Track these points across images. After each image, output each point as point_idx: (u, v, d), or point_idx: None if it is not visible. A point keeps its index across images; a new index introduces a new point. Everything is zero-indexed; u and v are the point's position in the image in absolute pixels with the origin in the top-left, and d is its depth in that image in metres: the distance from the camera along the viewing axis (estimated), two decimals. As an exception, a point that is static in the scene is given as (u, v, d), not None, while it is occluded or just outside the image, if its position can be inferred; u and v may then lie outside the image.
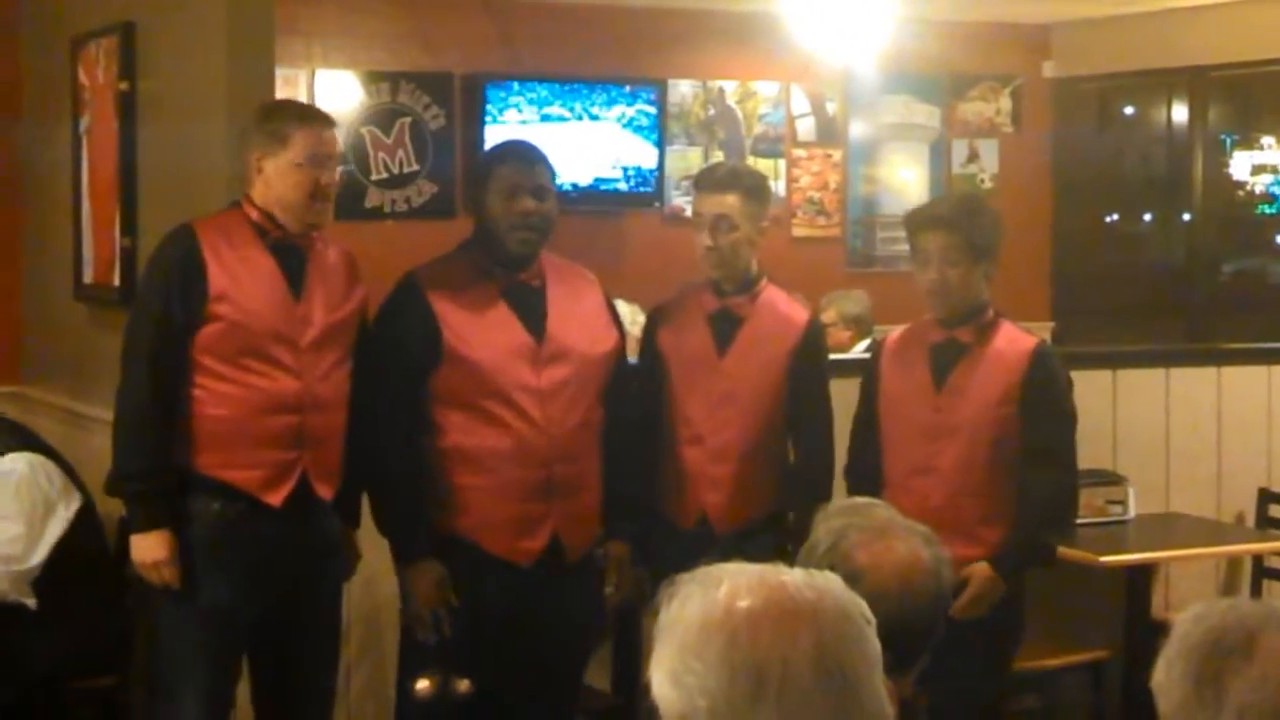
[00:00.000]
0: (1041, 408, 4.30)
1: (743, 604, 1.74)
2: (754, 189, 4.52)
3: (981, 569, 4.18)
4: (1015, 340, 4.37)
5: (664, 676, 1.75)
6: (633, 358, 4.64)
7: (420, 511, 4.21)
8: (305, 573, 4.16)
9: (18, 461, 4.81)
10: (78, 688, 4.84)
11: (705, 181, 4.56)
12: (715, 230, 4.43)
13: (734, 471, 4.44)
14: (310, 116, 4.23)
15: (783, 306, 4.56)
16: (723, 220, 4.43)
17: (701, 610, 1.75)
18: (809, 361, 4.52)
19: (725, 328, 4.50)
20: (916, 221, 4.42)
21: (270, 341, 4.06)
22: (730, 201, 4.44)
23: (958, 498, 4.28)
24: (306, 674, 4.28)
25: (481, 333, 4.22)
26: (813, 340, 4.57)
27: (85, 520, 4.86)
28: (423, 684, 4.18)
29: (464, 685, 4.19)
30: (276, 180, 4.10)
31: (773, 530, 4.47)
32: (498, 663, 4.23)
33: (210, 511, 4.06)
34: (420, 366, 4.20)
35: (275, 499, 4.07)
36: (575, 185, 8.59)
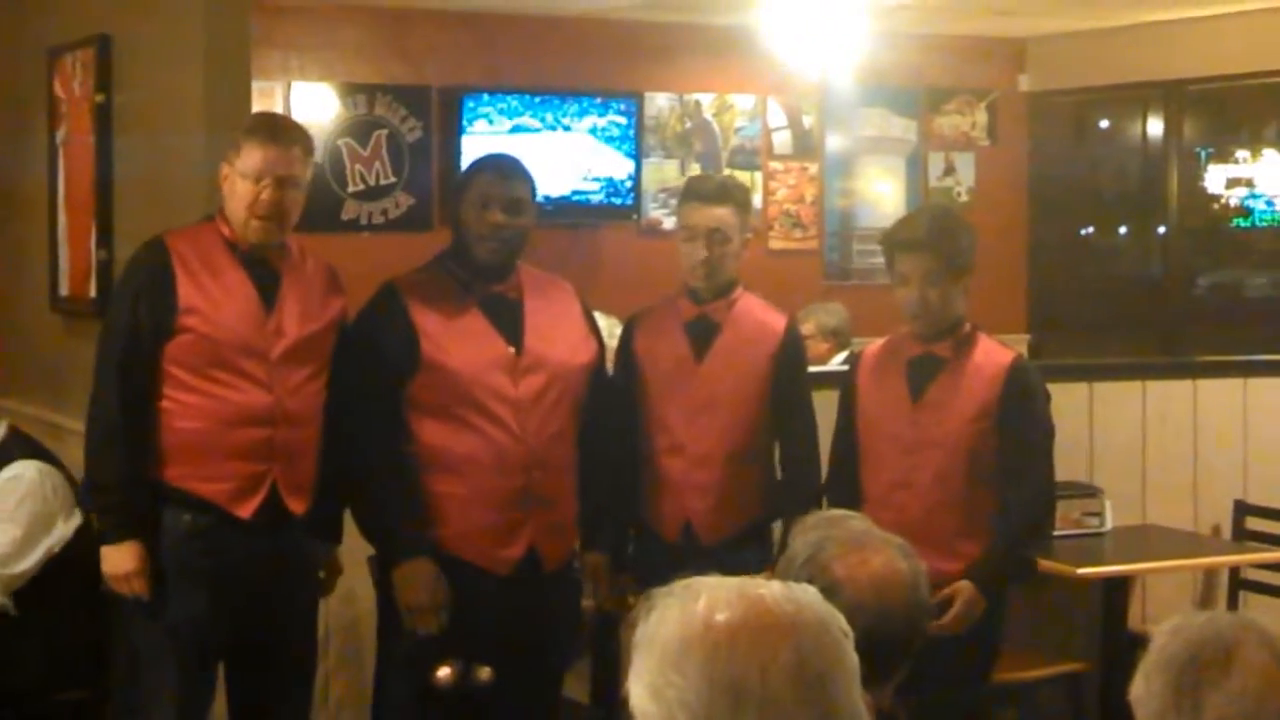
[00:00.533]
0: (1019, 422, 4.29)
1: (721, 617, 1.74)
2: (744, 202, 4.57)
3: (966, 587, 4.16)
4: (992, 354, 4.37)
5: (643, 690, 1.74)
6: (612, 370, 4.63)
7: (408, 510, 4.18)
8: (278, 585, 4.13)
9: (28, 468, 4.78)
10: (55, 700, 4.82)
11: (697, 193, 4.55)
12: (710, 242, 4.44)
13: (718, 478, 4.44)
14: (263, 130, 4.14)
15: (759, 313, 4.57)
16: (717, 233, 4.44)
17: (680, 624, 1.75)
18: (789, 367, 4.53)
19: (702, 334, 4.50)
20: (893, 244, 4.40)
21: (239, 354, 4.03)
22: (723, 214, 4.45)
23: (935, 511, 4.27)
24: (282, 686, 4.26)
25: (459, 342, 4.21)
26: (791, 346, 4.57)
27: (82, 537, 4.82)
28: (444, 672, 4.10)
29: (485, 673, 4.14)
30: (227, 190, 4.09)
31: (758, 542, 4.47)
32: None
33: (180, 523, 4.04)
34: (397, 373, 4.18)
35: (244, 511, 4.05)
36: (548, 197, 8.56)
